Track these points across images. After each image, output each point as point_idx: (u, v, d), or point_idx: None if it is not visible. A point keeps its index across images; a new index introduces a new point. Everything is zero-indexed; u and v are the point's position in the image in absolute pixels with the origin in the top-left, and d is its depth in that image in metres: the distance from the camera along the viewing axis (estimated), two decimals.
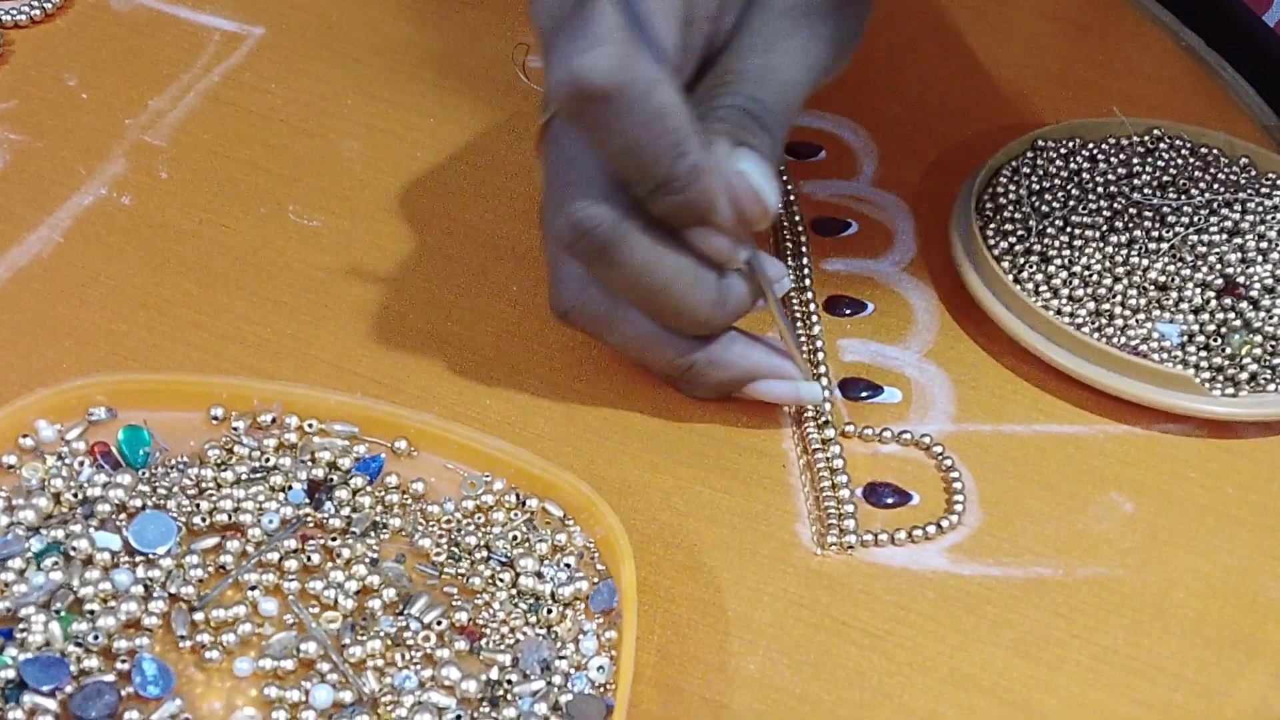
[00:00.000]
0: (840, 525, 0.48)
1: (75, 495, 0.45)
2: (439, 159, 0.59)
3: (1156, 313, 0.52)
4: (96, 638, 0.42)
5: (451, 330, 0.53)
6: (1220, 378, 0.51)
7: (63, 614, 0.42)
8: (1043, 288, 0.52)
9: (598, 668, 0.43)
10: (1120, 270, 0.53)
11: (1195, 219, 0.54)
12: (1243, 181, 0.56)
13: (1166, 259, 0.53)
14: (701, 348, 0.49)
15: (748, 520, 0.48)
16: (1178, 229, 0.54)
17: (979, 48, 0.65)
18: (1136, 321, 0.52)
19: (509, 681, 0.43)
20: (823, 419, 0.50)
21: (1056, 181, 0.56)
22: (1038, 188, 0.55)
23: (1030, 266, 0.53)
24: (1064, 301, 0.52)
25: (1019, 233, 0.54)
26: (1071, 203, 0.55)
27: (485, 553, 0.45)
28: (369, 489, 0.47)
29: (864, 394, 0.52)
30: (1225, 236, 0.53)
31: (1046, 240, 0.53)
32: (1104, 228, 0.54)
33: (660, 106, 0.43)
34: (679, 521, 0.48)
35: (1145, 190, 0.55)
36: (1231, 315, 0.52)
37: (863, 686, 0.44)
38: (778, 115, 0.47)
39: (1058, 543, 0.48)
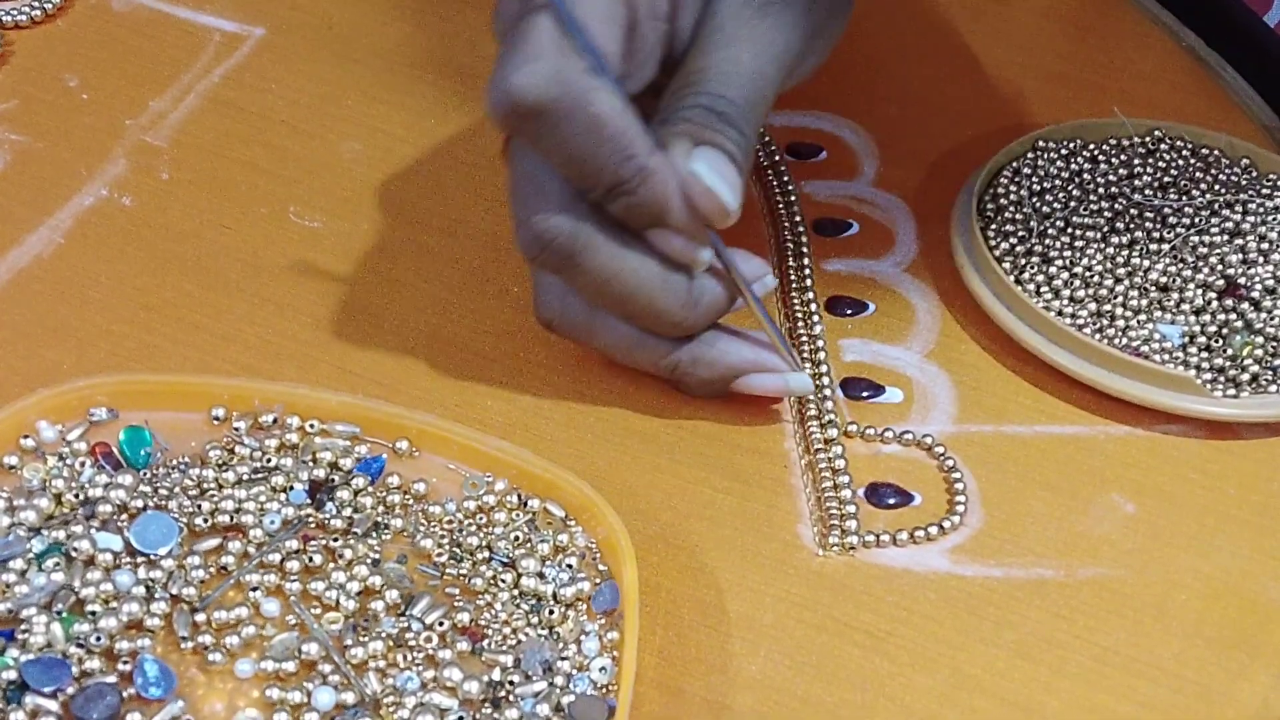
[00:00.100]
0: (842, 526, 0.48)
1: (76, 496, 0.45)
2: (440, 160, 0.59)
3: (1158, 314, 0.52)
4: (98, 639, 0.42)
5: (453, 331, 0.53)
6: (1222, 379, 0.51)
7: (64, 615, 0.42)
8: (1044, 288, 0.52)
9: (600, 669, 0.43)
10: (1121, 271, 0.53)
11: (1196, 220, 0.54)
12: (1244, 182, 0.56)
13: (1168, 260, 0.53)
14: (683, 348, 0.49)
15: (749, 521, 0.48)
16: (1179, 230, 0.54)
17: (980, 48, 0.65)
18: (1138, 322, 0.52)
19: (511, 682, 0.42)
20: (824, 419, 0.50)
21: (1057, 182, 0.56)
22: (1039, 188, 0.55)
23: (1031, 267, 0.53)
24: (1065, 302, 0.52)
25: (1020, 233, 0.54)
26: (1072, 203, 0.55)
27: (487, 553, 0.45)
28: (370, 490, 0.47)
29: (865, 394, 0.52)
30: (1226, 237, 0.53)
31: (1048, 241, 0.53)
32: (1105, 229, 0.54)
33: (598, 115, 0.44)
34: (681, 522, 0.48)
35: (1146, 191, 0.55)
36: (1233, 316, 0.52)
37: (864, 688, 0.44)
38: (745, 110, 0.47)
39: (1059, 544, 0.48)
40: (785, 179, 0.58)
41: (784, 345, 0.49)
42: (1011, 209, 0.55)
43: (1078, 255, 0.53)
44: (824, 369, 0.52)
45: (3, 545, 0.44)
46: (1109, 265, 0.53)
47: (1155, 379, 0.50)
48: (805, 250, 0.56)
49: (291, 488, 0.46)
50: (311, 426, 0.48)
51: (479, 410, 0.50)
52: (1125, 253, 0.53)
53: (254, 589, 0.44)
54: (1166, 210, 0.54)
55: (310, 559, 0.45)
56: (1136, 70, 0.64)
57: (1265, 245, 0.53)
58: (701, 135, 0.46)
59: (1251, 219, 0.54)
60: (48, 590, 0.43)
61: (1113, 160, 0.57)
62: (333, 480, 0.47)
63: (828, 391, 0.51)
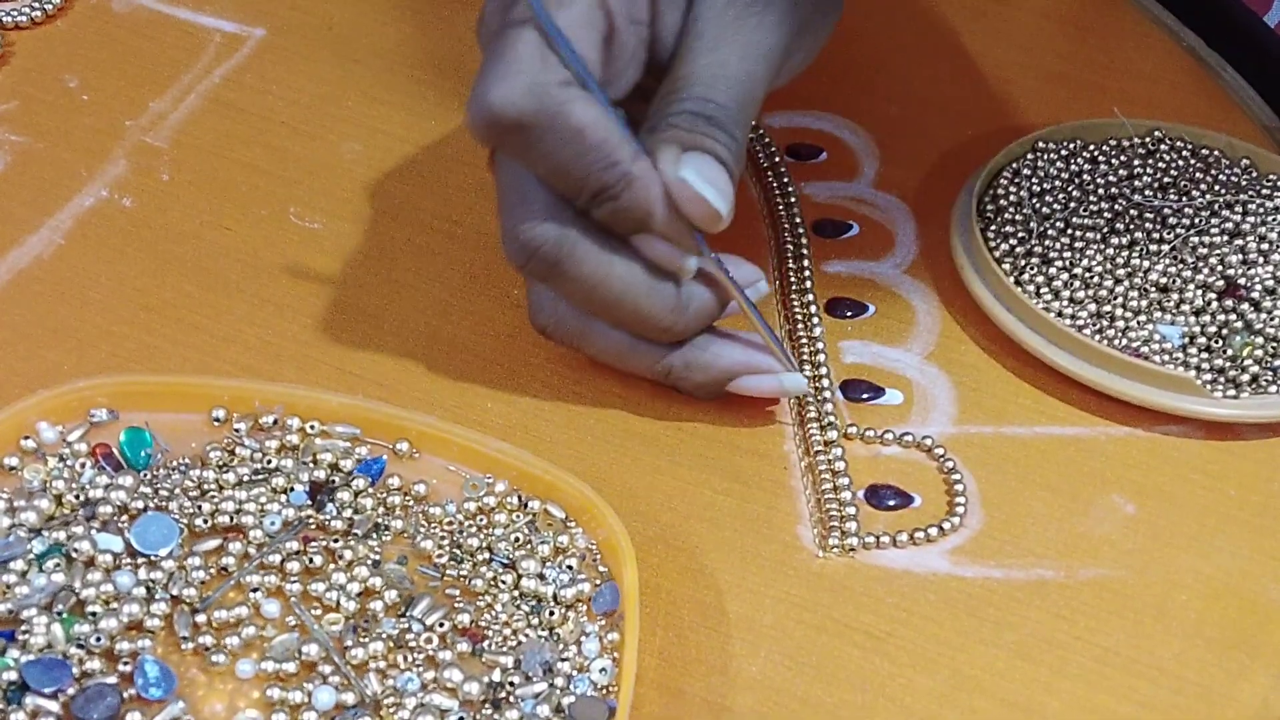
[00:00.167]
0: (842, 527, 0.48)
1: (77, 497, 0.45)
2: (440, 161, 0.59)
3: (1158, 314, 0.52)
4: (98, 639, 0.42)
5: (453, 332, 0.53)
6: (1222, 379, 0.51)
7: (65, 616, 0.42)
8: (1044, 289, 0.52)
9: (600, 670, 0.43)
10: (1121, 272, 0.53)
11: (1196, 220, 0.54)
12: (1244, 183, 0.56)
13: (1167, 260, 0.53)
14: (676, 353, 0.49)
15: (749, 522, 0.48)
16: (1179, 230, 0.54)
17: (980, 49, 0.65)
18: (1138, 323, 0.52)
19: (511, 683, 0.43)
20: (824, 421, 0.50)
21: (1057, 183, 0.56)
22: (1039, 189, 0.55)
23: (1031, 268, 0.53)
24: (1065, 303, 0.52)
25: (1020, 234, 0.54)
26: (1072, 204, 0.55)
27: (487, 554, 0.45)
28: (371, 491, 0.47)
29: (865, 396, 0.52)
30: (1226, 238, 0.53)
31: (1047, 242, 0.53)
32: (1105, 229, 0.54)
33: (578, 125, 0.44)
34: (681, 524, 0.48)
35: (1146, 192, 0.55)
36: (1233, 317, 0.52)
37: (864, 689, 0.44)
38: (734, 112, 0.47)
39: (1059, 544, 0.48)
40: (785, 180, 0.58)
41: (777, 345, 0.49)
42: (1011, 210, 0.55)
43: (1077, 256, 0.53)
44: (824, 371, 0.52)
45: (3, 546, 0.44)
46: (1109, 266, 0.53)
47: (1155, 380, 0.50)
48: (805, 252, 0.56)
49: (292, 489, 0.46)
50: (312, 428, 0.48)
51: (479, 412, 0.50)
52: (1125, 253, 0.53)
53: (254, 590, 0.44)
54: (1166, 211, 0.54)
55: (311, 560, 0.45)
56: (1136, 70, 0.64)
57: (1265, 245, 0.53)
58: (689, 140, 0.46)
59: (1251, 219, 0.54)
60: (48, 591, 0.43)
61: (1113, 161, 0.57)
62: (333, 481, 0.47)
63: (827, 393, 0.51)
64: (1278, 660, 0.45)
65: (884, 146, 0.60)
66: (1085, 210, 0.54)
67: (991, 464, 0.50)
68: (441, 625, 0.44)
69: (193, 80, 0.61)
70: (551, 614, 0.44)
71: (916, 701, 0.44)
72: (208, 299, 0.53)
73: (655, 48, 0.48)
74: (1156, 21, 0.67)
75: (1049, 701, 0.44)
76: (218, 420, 0.48)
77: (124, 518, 0.45)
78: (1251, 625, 0.46)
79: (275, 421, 0.48)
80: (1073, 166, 0.56)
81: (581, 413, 0.51)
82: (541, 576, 0.45)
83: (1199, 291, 0.52)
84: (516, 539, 0.46)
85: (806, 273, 0.55)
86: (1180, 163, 0.57)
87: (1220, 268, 0.53)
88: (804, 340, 0.53)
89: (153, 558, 0.44)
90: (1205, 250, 0.53)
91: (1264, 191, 0.55)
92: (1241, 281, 0.52)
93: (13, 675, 0.41)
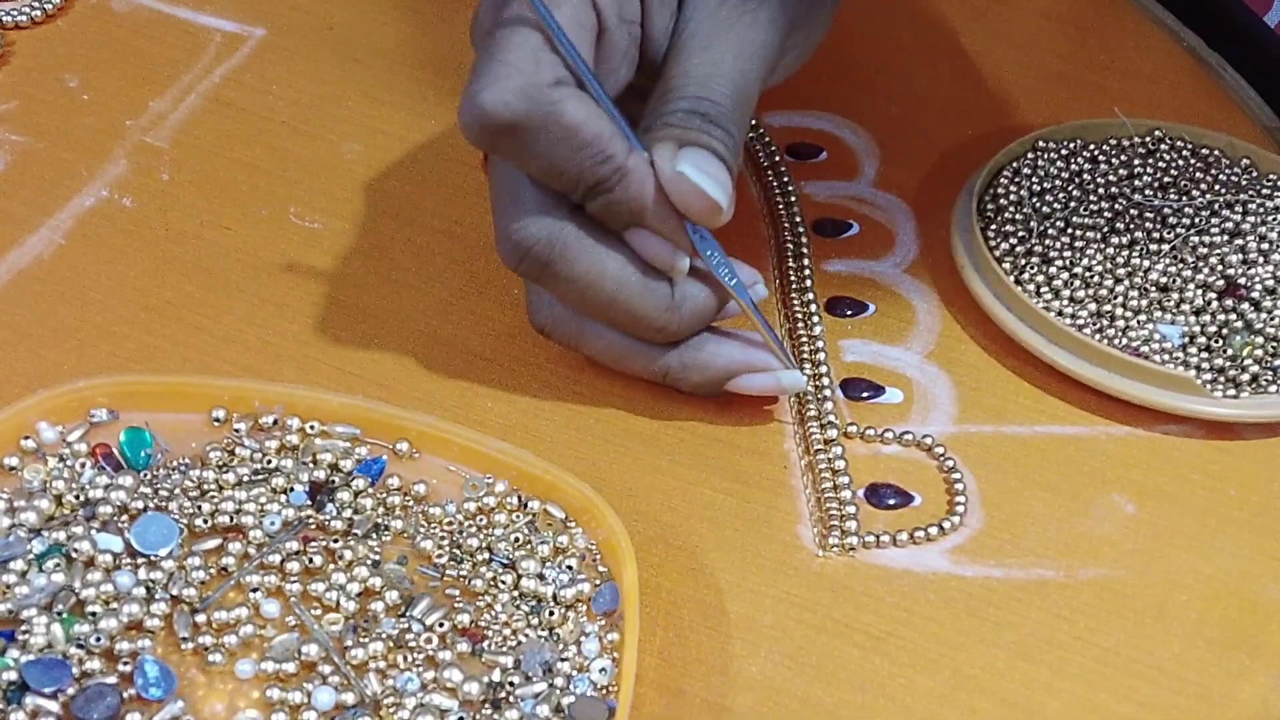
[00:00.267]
0: (842, 526, 0.48)
1: (77, 497, 0.45)
2: (440, 161, 0.59)
3: (1158, 314, 0.52)
4: (98, 639, 0.42)
5: (453, 332, 0.53)
6: (1222, 379, 0.51)
7: (64, 616, 0.42)
8: (1044, 289, 0.52)
9: (600, 670, 0.43)
10: (1121, 271, 0.53)
11: (1196, 220, 0.54)
12: (1244, 182, 0.56)
13: (1168, 260, 0.53)
14: (672, 353, 0.49)
15: (749, 522, 0.48)
16: (1179, 230, 0.54)
17: (979, 48, 0.65)
18: (1138, 323, 0.52)
19: (511, 683, 0.42)
20: (824, 420, 0.50)
21: (1057, 182, 0.56)
22: (1039, 189, 0.55)
23: (1031, 268, 0.53)
24: (1065, 303, 0.52)
25: (1020, 234, 0.54)
26: (1072, 204, 0.55)
27: (487, 555, 0.45)
28: (371, 491, 0.47)
29: (865, 395, 0.52)
30: (1226, 238, 0.53)
31: (1048, 241, 0.53)
32: (1105, 229, 0.54)
33: (572, 123, 0.44)
34: (680, 523, 0.48)
35: (1146, 191, 0.55)
36: (1233, 316, 0.52)
37: (864, 688, 0.44)
38: (730, 109, 0.47)
39: (1059, 544, 0.48)
40: (785, 179, 0.58)
41: (775, 342, 0.49)
42: (1011, 209, 0.55)
43: (1078, 255, 0.53)
44: (824, 370, 0.52)
45: (3, 546, 0.44)
46: (1109, 265, 0.53)
47: (1155, 379, 0.50)
48: (805, 251, 0.56)
49: (292, 489, 0.46)
50: (312, 428, 0.48)
51: (479, 411, 0.50)
52: (1125, 253, 0.53)
53: (254, 590, 0.44)
54: (1166, 210, 0.54)
55: (310, 560, 0.45)
56: (1136, 70, 0.64)
57: (1265, 245, 0.53)
58: (686, 137, 0.46)
59: (1251, 219, 0.54)
60: (48, 591, 0.43)
61: (1113, 160, 0.57)
62: (333, 481, 0.47)
63: (827, 392, 0.51)
64: (1278, 660, 0.45)
65: (884, 146, 0.60)
66: (1085, 210, 0.54)
67: (991, 463, 0.50)
68: (441, 625, 0.44)
69: (193, 80, 0.61)
70: (551, 614, 0.44)
71: (916, 701, 0.44)
72: (208, 299, 0.53)
73: (647, 47, 0.48)
74: (1156, 21, 0.67)
75: (1049, 701, 0.44)
76: (218, 420, 0.48)
77: (124, 518, 0.45)
78: (1251, 625, 0.46)
79: (275, 422, 0.48)
80: (1073, 166, 0.56)
81: (581, 412, 0.51)
82: (541, 576, 0.45)
83: (1199, 291, 0.52)
84: (516, 539, 0.46)
85: (806, 272, 0.55)
86: (1180, 162, 0.56)
87: (1220, 267, 0.53)
88: (804, 339, 0.53)
89: (152, 558, 0.44)
90: (1205, 250, 0.53)
91: (1264, 191, 0.55)
92: (1241, 281, 0.52)
93: (13, 675, 0.41)
